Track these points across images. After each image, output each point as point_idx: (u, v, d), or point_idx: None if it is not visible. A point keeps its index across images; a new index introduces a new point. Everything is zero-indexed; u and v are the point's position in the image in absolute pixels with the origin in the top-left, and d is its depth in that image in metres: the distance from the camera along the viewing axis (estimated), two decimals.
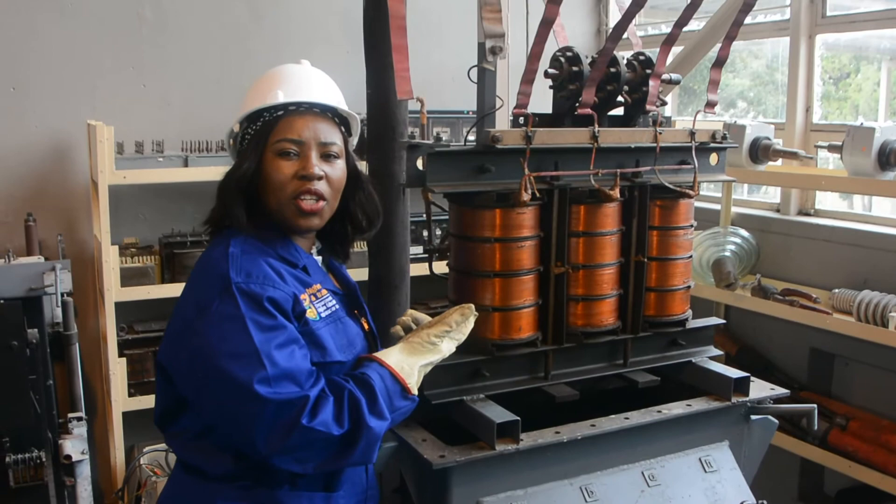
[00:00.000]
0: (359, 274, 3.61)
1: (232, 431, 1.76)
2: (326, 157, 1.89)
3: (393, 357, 1.88)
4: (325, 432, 1.69)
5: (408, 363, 1.88)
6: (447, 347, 1.95)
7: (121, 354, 3.90)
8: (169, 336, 1.85)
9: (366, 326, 2.06)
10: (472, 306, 1.98)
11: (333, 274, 2.10)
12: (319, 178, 1.86)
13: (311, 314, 1.83)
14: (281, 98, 1.87)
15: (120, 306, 3.87)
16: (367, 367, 1.85)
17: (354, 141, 2.05)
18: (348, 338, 1.92)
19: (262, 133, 1.87)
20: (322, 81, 1.97)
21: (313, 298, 1.86)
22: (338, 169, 1.91)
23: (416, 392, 1.88)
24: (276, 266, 1.82)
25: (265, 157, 1.86)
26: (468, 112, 4.38)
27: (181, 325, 1.80)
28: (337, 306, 1.93)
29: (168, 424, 1.91)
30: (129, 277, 3.86)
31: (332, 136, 1.91)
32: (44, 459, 3.26)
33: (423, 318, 2.08)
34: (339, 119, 1.97)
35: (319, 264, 2.03)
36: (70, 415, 3.34)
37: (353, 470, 1.93)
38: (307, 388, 1.71)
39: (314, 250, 2.04)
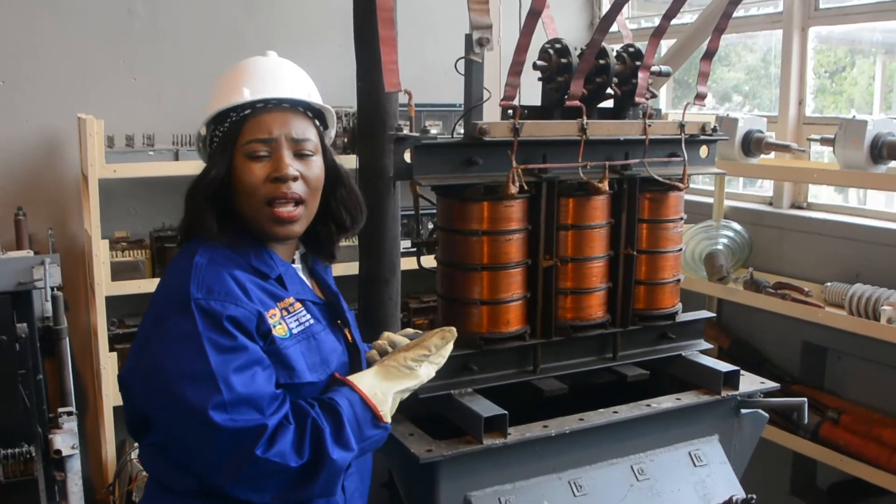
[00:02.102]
0: (349, 268, 3.62)
1: (185, 457, 1.65)
2: (301, 154, 1.75)
3: (366, 381, 1.74)
4: (282, 464, 1.57)
5: (381, 389, 1.74)
6: (425, 373, 1.82)
7: (111, 349, 3.89)
8: (132, 350, 1.73)
9: (349, 338, 1.90)
10: (454, 329, 1.86)
11: (316, 281, 1.96)
12: (294, 179, 1.72)
13: (279, 331, 1.68)
14: (247, 96, 1.73)
15: (111, 300, 3.86)
16: (337, 393, 1.70)
17: (332, 134, 1.90)
18: (322, 355, 1.76)
19: (230, 135, 1.73)
20: (291, 73, 1.82)
21: (285, 313, 1.72)
22: (314, 167, 1.77)
23: (388, 420, 1.74)
24: (243, 280, 1.67)
25: (235, 160, 1.72)
26: (459, 105, 4.36)
27: (141, 339, 1.68)
28: (312, 321, 1.77)
29: (139, 438, 1.79)
30: (120, 272, 3.84)
31: (306, 131, 1.76)
32: (34, 454, 3.24)
33: (401, 340, 1.99)
34: (313, 113, 1.82)
35: (300, 272, 1.89)
36: (60, 409, 3.33)
37: None
38: (268, 415, 1.58)
39: (297, 254, 1.90)
